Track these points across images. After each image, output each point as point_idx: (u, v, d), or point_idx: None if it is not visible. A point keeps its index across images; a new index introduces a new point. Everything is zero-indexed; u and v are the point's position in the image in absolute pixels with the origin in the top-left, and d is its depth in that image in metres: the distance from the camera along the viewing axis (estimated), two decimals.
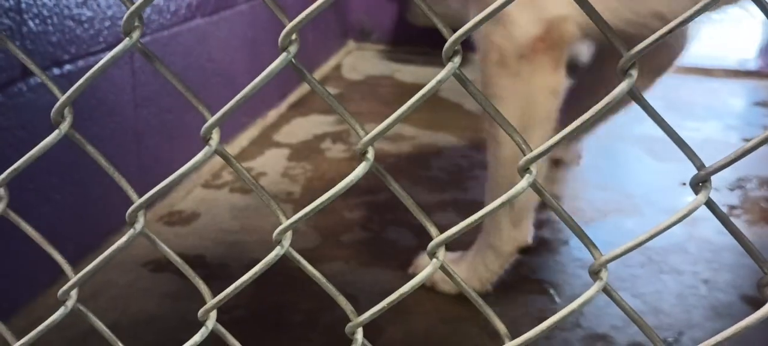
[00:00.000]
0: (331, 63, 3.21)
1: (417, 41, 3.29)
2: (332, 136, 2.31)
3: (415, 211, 0.51)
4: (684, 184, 2.02)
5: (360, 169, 0.48)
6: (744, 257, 1.65)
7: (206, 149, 0.50)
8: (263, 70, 0.48)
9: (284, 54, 0.45)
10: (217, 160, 2.05)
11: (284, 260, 0.55)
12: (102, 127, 1.50)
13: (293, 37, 0.45)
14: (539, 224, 1.76)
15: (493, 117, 0.48)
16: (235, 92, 0.48)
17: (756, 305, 1.42)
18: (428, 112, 2.33)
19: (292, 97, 2.63)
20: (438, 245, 0.50)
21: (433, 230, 0.51)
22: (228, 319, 1.33)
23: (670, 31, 0.43)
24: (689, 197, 1.97)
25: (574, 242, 1.68)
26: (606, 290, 0.49)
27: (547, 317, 1.42)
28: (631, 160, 2.21)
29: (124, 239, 0.58)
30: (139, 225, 0.58)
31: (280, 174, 2.03)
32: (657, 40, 0.45)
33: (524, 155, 0.48)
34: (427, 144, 2.26)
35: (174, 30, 1.75)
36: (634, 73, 0.45)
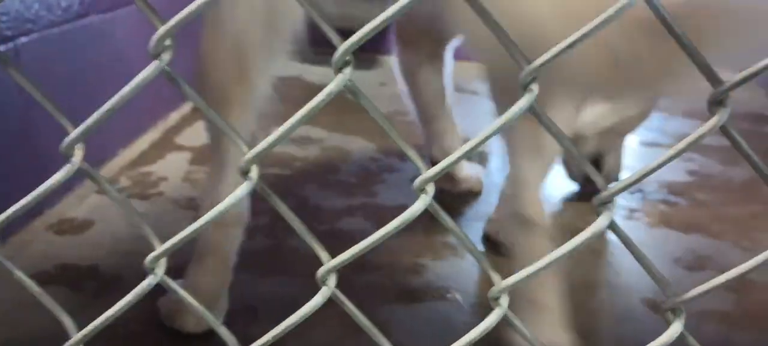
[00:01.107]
0: None
1: (326, 42, 3.25)
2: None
3: (303, 234, 0.48)
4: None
5: (241, 190, 0.44)
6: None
7: (68, 167, 0.44)
8: None
9: (156, 62, 0.41)
10: (115, 163, 1.95)
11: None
12: None
13: (167, 43, 0.41)
14: (446, 231, 1.75)
15: (388, 133, 0.45)
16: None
17: (656, 308, 1.45)
18: (337, 115, 2.29)
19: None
20: (328, 272, 0.46)
21: (323, 255, 0.47)
22: (123, 332, 1.26)
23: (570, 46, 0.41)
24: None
25: (480, 247, 1.68)
26: (506, 318, 0.46)
27: (453, 325, 1.41)
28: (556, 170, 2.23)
29: None
30: None
31: (181, 179, 1.95)
32: (556, 54, 0.42)
33: (421, 174, 0.45)
34: (336, 147, 2.23)
35: (65, 28, 1.65)
36: (535, 88, 0.43)
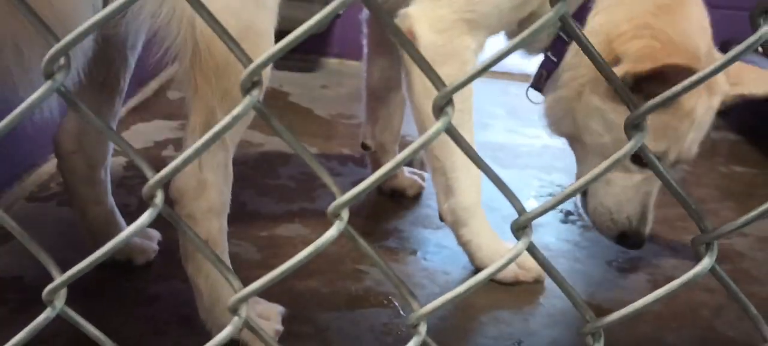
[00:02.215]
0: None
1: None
2: (175, 142, 2.19)
3: (214, 262, 0.46)
4: (531, 194, 2.08)
5: (144, 219, 0.41)
6: (578, 262, 1.72)
7: None
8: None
9: (49, 83, 0.38)
10: (45, 169, 1.88)
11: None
12: None
13: (61, 62, 0.38)
14: (385, 234, 1.75)
15: (303, 157, 0.43)
16: None
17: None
18: (279, 117, 2.26)
19: (133, 101, 2.47)
20: (240, 301, 0.44)
21: (235, 283, 0.45)
22: None
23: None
24: (532, 202, 2.03)
25: (422, 252, 1.68)
26: (425, 343, 0.45)
27: (392, 331, 1.40)
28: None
29: None
30: None
31: (116, 184, 1.89)
32: (477, 75, 0.42)
33: (337, 198, 0.43)
34: (275, 151, 2.19)
35: None
36: (451, 110, 0.41)
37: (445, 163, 1.51)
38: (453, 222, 1.56)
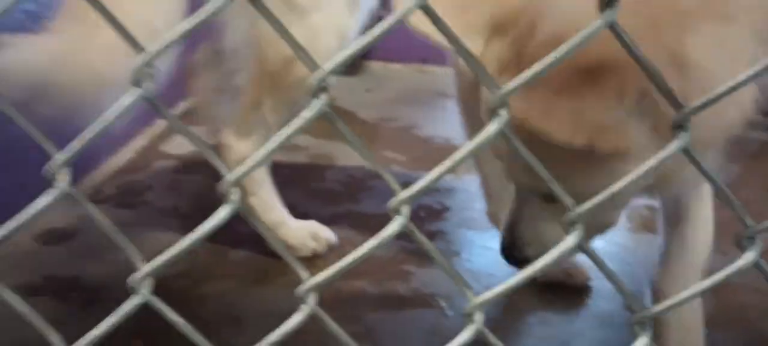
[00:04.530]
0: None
1: None
2: None
3: (285, 254, 0.49)
4: None
5: (222, 214, 0.45)
6: (627, 265, 1.71)
7: (53, 192, 0.45)
8: None
9: (137, 91, 0.41)
10: (99, 173, 1.95)
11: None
12: None
13: (148, 71, 0.42)
14: (429, 236, 1.77)
15: (363, 156, 0.46)
16: None
17: None
18: (322, 120, 2.30)
19: (184, 105, 2.54)
20: (308, 291, 0.47)
21: (302, 273, 0.48)
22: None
23: None
24: None
25: (466, 253, 1.70)
26: (479, 332, 0.47)
27: (439, 332, 1.42)
28: None
29: None
30: None
31: (167, 187, 1.95)
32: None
33: (397, 195, 0.46)
34: (322, 154, 2.23)
35: None
36: (505, 113, 0.44)
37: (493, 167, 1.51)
38: (498, 225, 1.57)
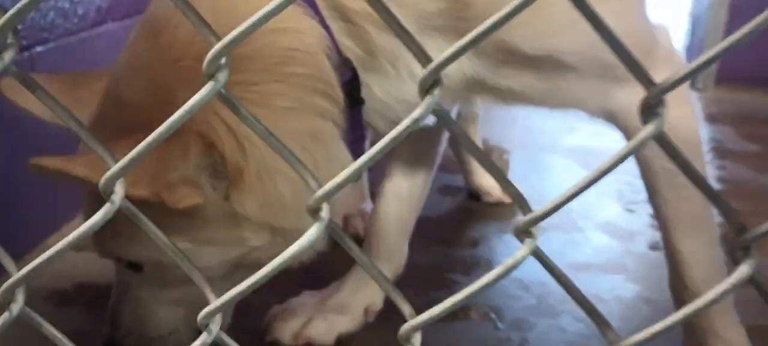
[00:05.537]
0: None
1: None
2: None
3: (383, 283, 0.41)
4: (620, 200, 1.99)
5: (311, 234, 0.37)
6: None
7: (107, 206, 0.38)
8: None
9: (210, 83, 0.35)
10: None
11: None
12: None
13: (222, 61, 0.35)
14: (471, 243, 1.69)
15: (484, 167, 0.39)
16: None
17: None
18: None
19: None
20: (413, 330, 0.40)
21: (405, 309, 0.41)
22: None
23: None
24: (616, 208, 1.93)
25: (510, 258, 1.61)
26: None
27: (489, 343, 1.34)
28: (563, 173, 2.16)
29: None
30: None
31: None
32: None
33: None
34: None
35: (82, 36, 1.59)
36: (663, 112, 0.36)
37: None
38: None
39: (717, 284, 1.11)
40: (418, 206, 1.40)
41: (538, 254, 0.38)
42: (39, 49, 1.45)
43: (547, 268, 0.40)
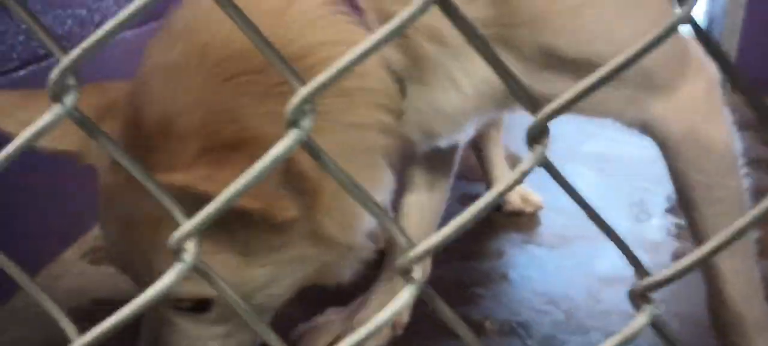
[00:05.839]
0: None
1: None
2: None
3: (462, 331, 0.38)
4: (640, 208, 1.96)
5: (405, 298, 0.34)
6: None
7: (180, 266, 0.35)
8: None
9: (295, 131, 0.31)
10: None
11: None
12: None
13: (307, 108, 0.31)
14: (494, 255, 1.66)
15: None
16: None
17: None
18: None
19: None
20: None
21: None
22: None
23: None
24: (648, 224, 1.89)
25: (538, 274, 1.59)
26: None
27: None
28: (583, 181, 2.13)
29: None
30: None
31: None
32: None
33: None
34: None
35: None
36: None
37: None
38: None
39: (757, 303, 1.08)
40: (438, 215, 1.38)
41: (657, 326, 0.35)
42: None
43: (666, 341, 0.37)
